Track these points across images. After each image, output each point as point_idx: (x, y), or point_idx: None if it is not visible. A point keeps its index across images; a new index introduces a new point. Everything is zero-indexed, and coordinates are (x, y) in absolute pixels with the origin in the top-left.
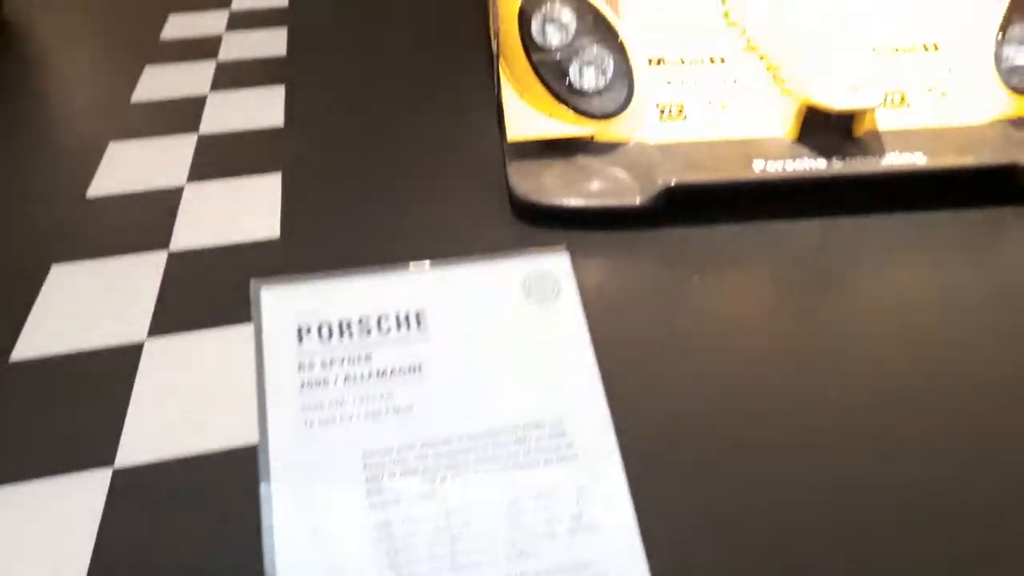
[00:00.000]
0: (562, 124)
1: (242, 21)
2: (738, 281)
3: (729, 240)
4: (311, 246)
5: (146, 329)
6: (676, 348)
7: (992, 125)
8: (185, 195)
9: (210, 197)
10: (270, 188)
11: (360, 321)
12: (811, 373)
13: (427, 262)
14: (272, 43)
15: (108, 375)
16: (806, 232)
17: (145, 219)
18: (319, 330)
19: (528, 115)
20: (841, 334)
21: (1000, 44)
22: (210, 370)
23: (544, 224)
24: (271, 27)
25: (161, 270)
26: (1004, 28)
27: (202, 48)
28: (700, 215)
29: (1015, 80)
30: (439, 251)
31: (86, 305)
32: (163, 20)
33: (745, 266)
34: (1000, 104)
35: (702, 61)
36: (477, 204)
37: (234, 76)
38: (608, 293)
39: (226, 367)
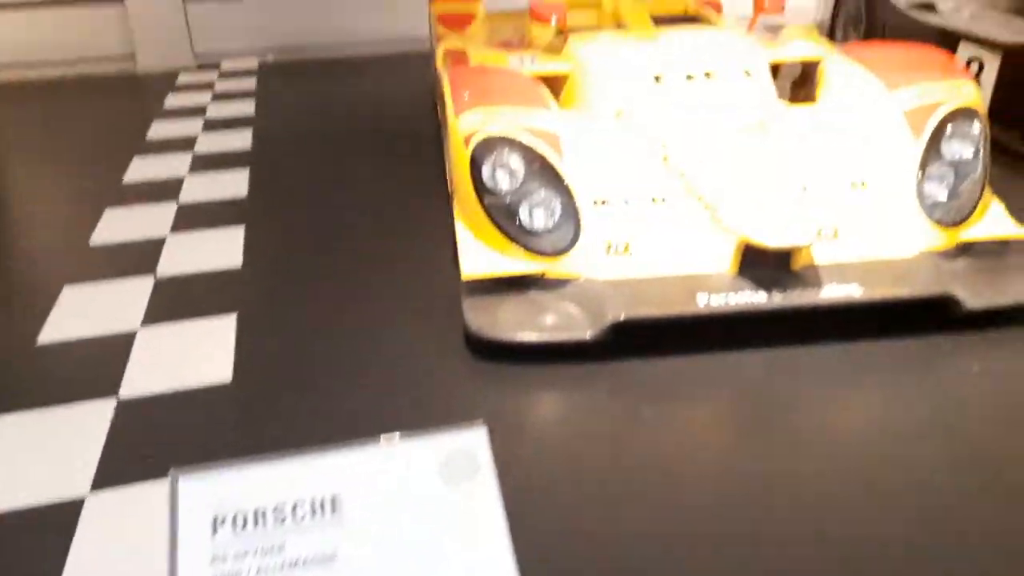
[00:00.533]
0: (514, 262)
1: (205, 163)
2: (684, 420)
3: (676, 373)
4: (262, 390)
5: (89, 482)
6: (612, 507)
7: (921, 257)
8: (138, 339)
9: (163, 341)
10: (224, 330)
11: (275, 509)
12: (759, 514)
13: (344, 446)
14: (234, 184)
15: (41, 537)
16: (749, 363)
17: (95, 365)
18: (234, 520)
19: (482, 254)
20: (784, 470)
21: (921, 182)
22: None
23: (498, 358)
24: (233, 168)
25: (108, 419)
26: (923, 167)
27: (164, 190)
28: (648, 348)
29: (938, 214)
30: (389, 393)
31: (25, 458)
32: (127, 163)
33: (691, 401)
34: (927, 237)
35: (645, 200)
36: (432, 342)
37: (194, 217)
38: (549, 438)
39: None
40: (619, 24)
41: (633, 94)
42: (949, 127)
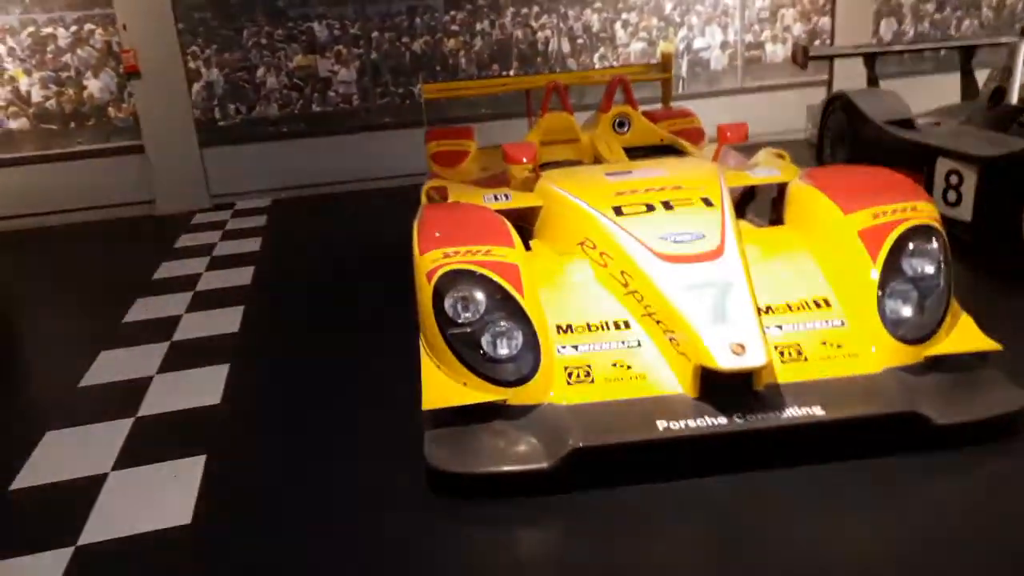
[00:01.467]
0: (476, 392)
1: (204, 301)
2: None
3: (639, 503)
4: (221, 533)
5: None
6: None
7: (886, 374)
8: (108, 483)
9: (131, 484)
10: (191, 470)
11: None
12: None
13: None
14: (227, 322)
15: None
16: (715, 489)
17: (62, 511)
18: None
19: (444, 384)
20: None
21: (882, 300)
22: None
23: (460, 491)
24: (230, 306)
25: (63, 567)
26: (884, 285)
27: (159, 329)
28: (609, 475)
29: (900, 331)
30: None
31: None
32: (131, 304)
33: (652, 537)
34: (890, 354)
35: (606, 327)
36: (398, 483)
37: (184, 356)
38: None
39: None
40: (596, 156)
41: (596, 226)
42: (909, 244)
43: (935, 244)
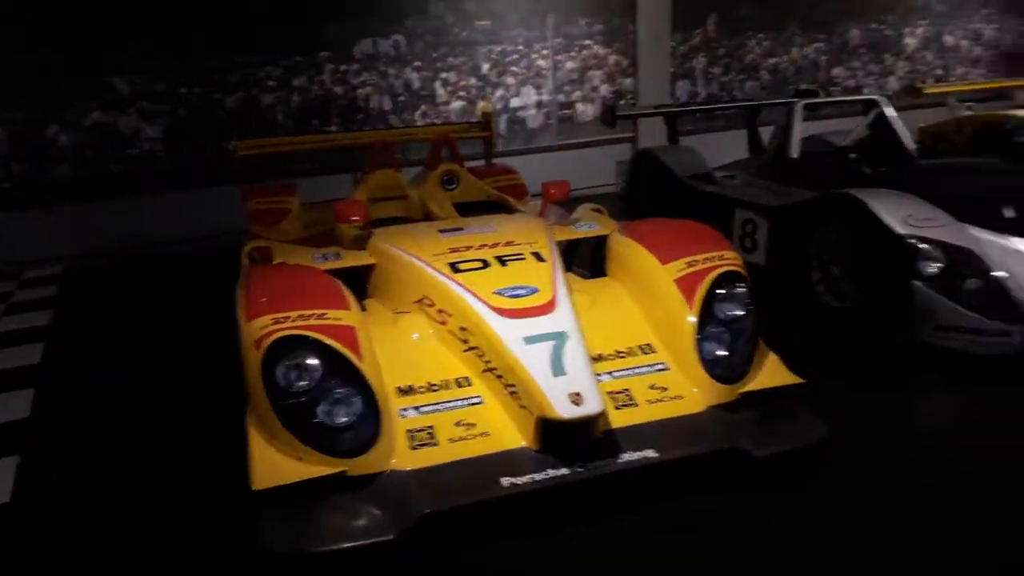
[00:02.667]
0: (313, 465)
1: None
2: None
3: (492, 564)
4: None
5: None
6: None
7: (707, 413)
8: None
9: None
10: None
11: None
12: None
13: None
14: (14, 407)
15: None
16: (561, 540)
17: None
18: None
19: (276, 461)
20: None
21: (699, 343)
22: None
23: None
24: (16, 390)
25: None
26: (699, 329)
27: None
28: (458, 538)
29: (717, 371)
30: None
31: None
32: None
33: None
34: (710, 393)
35: (448, 386)
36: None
37: None
38: None
39: None
40: (426, 213)
41: (433, 283)
42: (720, 290)
43: (742, 289)
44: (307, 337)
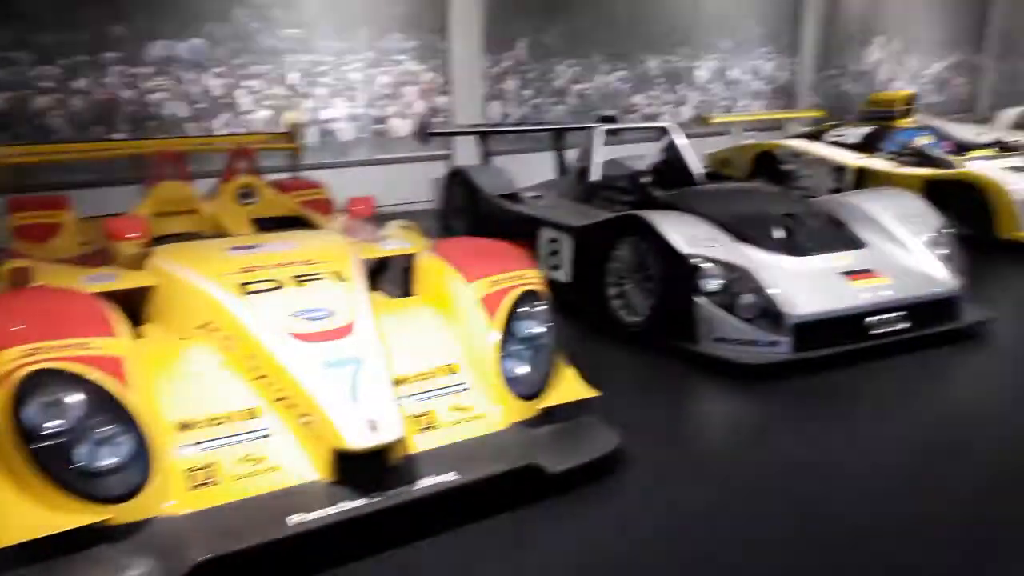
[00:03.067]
0: (70, 515)
1: None
2: None
3: None
4: None
5: None
6: None
7: (510, 431)
8: None
9: None
10: None
11: None
12: None
13: None
14: None
15: None
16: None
17: None
18: None
19: (26, 512)
20: None
21: (502, 360)
22: None
23: None
24: None
25: None
26: (502, 347)
27: None
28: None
29: (518, 389)
30: None
31: None
32: None
33: None
34: (512, 411)
35: (234, 418)
36: None
37: None
38: None
39: None
40: (219, 230)
41: (219, 306)
42: (521, 308)
43: (542, 307)
44: (63, 371)
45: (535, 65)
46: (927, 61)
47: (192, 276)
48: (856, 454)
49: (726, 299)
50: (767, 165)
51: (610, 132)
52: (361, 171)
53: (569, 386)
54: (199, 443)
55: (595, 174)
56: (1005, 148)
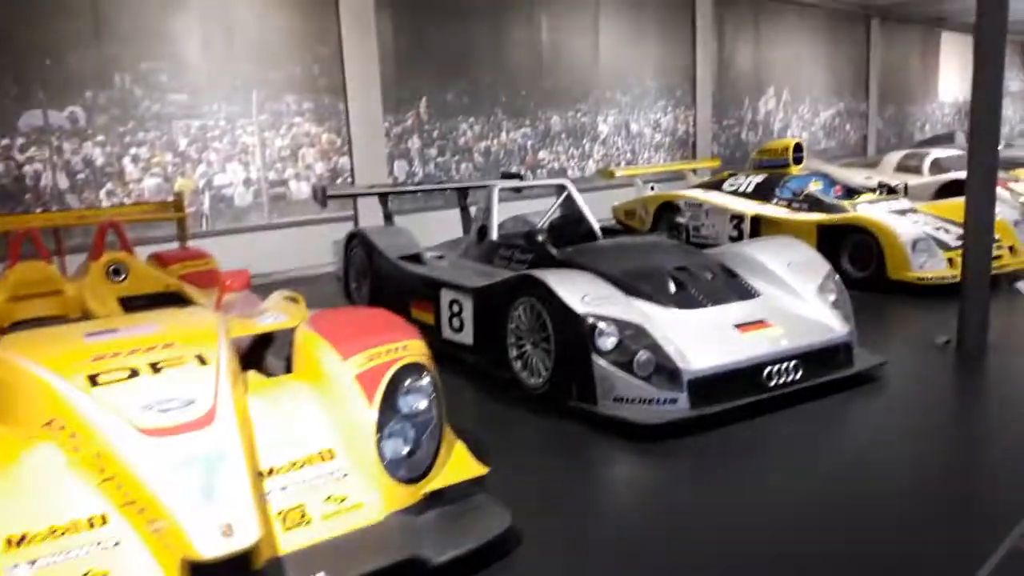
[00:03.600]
0: None
1: None
2: None
3: None
4: None
5: None
6: None
7: (388, 521)
8: None
9: None
10: None
11: None
12: None
13: None
14: None
15: None
16: None
17: None
18: None
19: None
20: None
21: (381, 443)
22: None
23: None
24: None
25: None
26: (381, 427)
27: None
28: None
29: (400, 472)
30: None
31: None
32: None
33: None
34: (393, 497)
35: (77, 528)
36: None
37: None
38: None
39: None
40: (85, 311)
41: (64, 401)
42: (403, 383)
43: (426, 380)
44: None
45: (437, 123)
46: (817, 109)
47: (35, 368)
48: (755, 510)
49: (622, 357)
50: (667, 215)
51: (512, 189)
52: (260, 236)
53: (458, 464)
54: (33, 561)
55: (494, 232)
56: (890, 191)
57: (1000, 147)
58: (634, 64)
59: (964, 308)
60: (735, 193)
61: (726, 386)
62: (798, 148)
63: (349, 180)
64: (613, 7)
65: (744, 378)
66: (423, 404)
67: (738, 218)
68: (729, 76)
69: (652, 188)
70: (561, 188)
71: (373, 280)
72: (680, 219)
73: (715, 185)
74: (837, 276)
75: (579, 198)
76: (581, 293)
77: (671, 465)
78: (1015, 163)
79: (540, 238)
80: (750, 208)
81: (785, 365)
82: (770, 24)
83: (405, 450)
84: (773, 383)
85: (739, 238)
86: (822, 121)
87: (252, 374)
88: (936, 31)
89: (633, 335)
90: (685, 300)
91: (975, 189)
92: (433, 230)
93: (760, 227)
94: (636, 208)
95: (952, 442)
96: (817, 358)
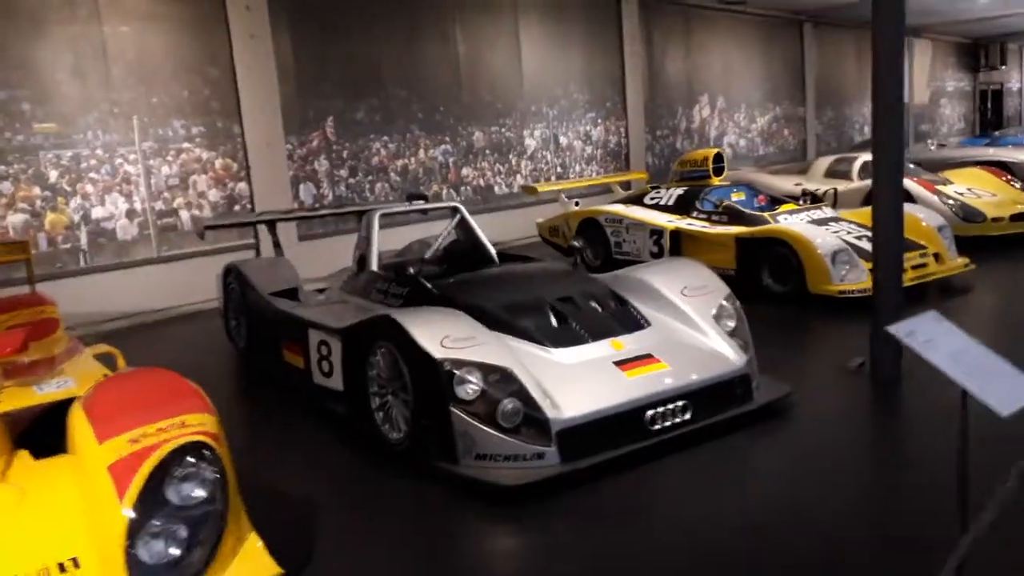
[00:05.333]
0: None
1: None
2: None
3: None
4: None
5: None
6: None
7: None
8: None
9: None
10: None
11: None
12: None
13: None
14: None
15: None
16: None
17: None
18: None
19: None
20: None
21: (131, 548)
22: None
23: None
24: None
25: None
26: (135, 529)
27: None
28: None
29: None
30: None
31: None
32: None
33: None
34: None
35: None
36: None
37: None
38: None
39: None
40: None
41: None
42: (171, 470)
43: (205, 464)
44: None
45: (347, 143)
46: (753, 115)
47: None
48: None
49: (485, 408)
50: (591, 232)
51: (401, 213)
52: (148, 271)
53: (246, 564)
54: None
55: (374, 263)
56: (814, 199)
57: (932, 147)
58: (560, 75)
59: (876, 329)
60: (656, 207)
61: (603, 435)
62: (719, 158)
63: (248, 207)
64: (533, 17)
65: (624, 424)
66: (201, 493)
67: (658, 233)
68: (660, 85)
69: (576, 204)
70: (454, 210)
71: (248, 318)
72: (576, 243)
73: (637, 199)
74: (737, 302)
75: (472, 221)
76: (441, 335)
77: (543, 533)
78: (946, 164)
79: (411, 270)
80: (669, 222)
81: (671, 406)
82: (701, 31)
83: (175, 552)
84: (657, 427)
85: (660, 254)
86: (759, 127)
87: (22, 456)
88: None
89: (499, 381)
90: (565, 336)
91: (882, 198)
92: (347, 254)
93: (681, 242)
94: (559, 225)
95: (862, 484)
96: (710, 395)
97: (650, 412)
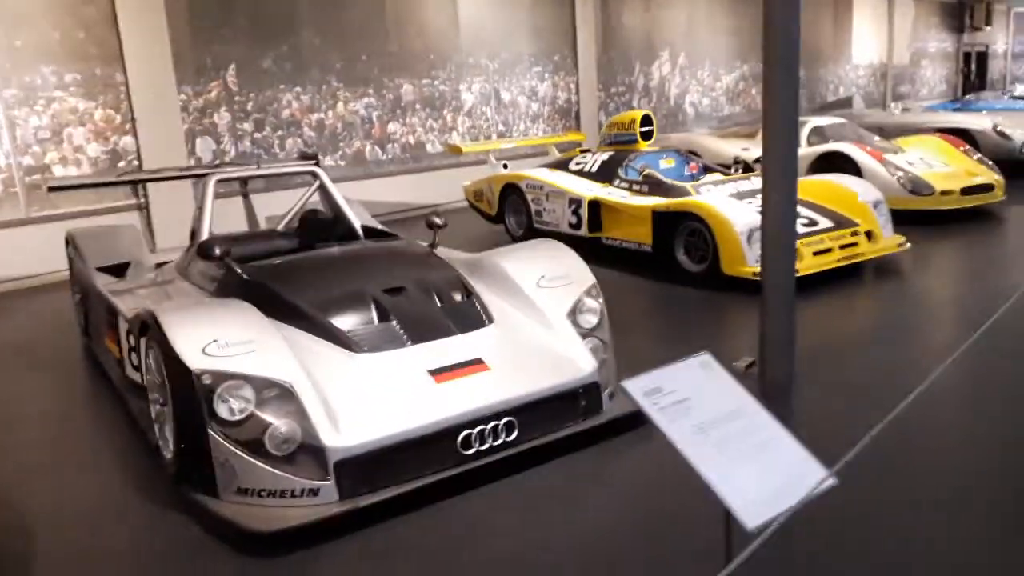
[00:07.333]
0: None
1: None
2: None
3: None
4: None
5: None
6: None
7: None
8: None
9: None
10: None
11: None
12: None
13: None
14: None
15: None
16: None
17: None
18: None
19: None
20: None
21: None
22: None
23: None
24: None
25: None
26: None
27: None
28: None
29: None
30: None
31: None
32: None
33: None
34: None
35: None
36: None
37: None
38: None
39: None
40: None
41: None
42: None
43: None
44: None
45: (252, 94)
46: (718, 73)
47: None
48: None
49: (251, 432)
50: (514, 197)
51: (243, 180)
52: (16, 233)
53: None
54: None
55: (204, 235)
56: (746, 168)
57: (896, 111)
58: (502, 24)
59: (764, 329)
60: (580, 173)
61: (399, 464)
62: (647, 121)
63: (135, 163)
64: None
65: (429, 448)
66: None
67: (576, 202)
68: (617, 38)
69: (505, 166)
70: (313, 175)
71: (83, 295)
72: (437, 220)
73: (563, 164)
74: (600, 296)
75: (333, 189)
76: (209, 339)
77: None
78: (906, 129)
79: (217, 251)
80: (589, 191)
81: (493, 424)
82: None
83: None
84: (474, 450)
85: (578, 226)
86: (724, 85)
87: None
88: None
89: (275, 398)
90: (378, 337)
91: (771, 178)
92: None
93: (600, 212)
94: (483, 189)
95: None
96: (547, 409)
97: (465, 432)
